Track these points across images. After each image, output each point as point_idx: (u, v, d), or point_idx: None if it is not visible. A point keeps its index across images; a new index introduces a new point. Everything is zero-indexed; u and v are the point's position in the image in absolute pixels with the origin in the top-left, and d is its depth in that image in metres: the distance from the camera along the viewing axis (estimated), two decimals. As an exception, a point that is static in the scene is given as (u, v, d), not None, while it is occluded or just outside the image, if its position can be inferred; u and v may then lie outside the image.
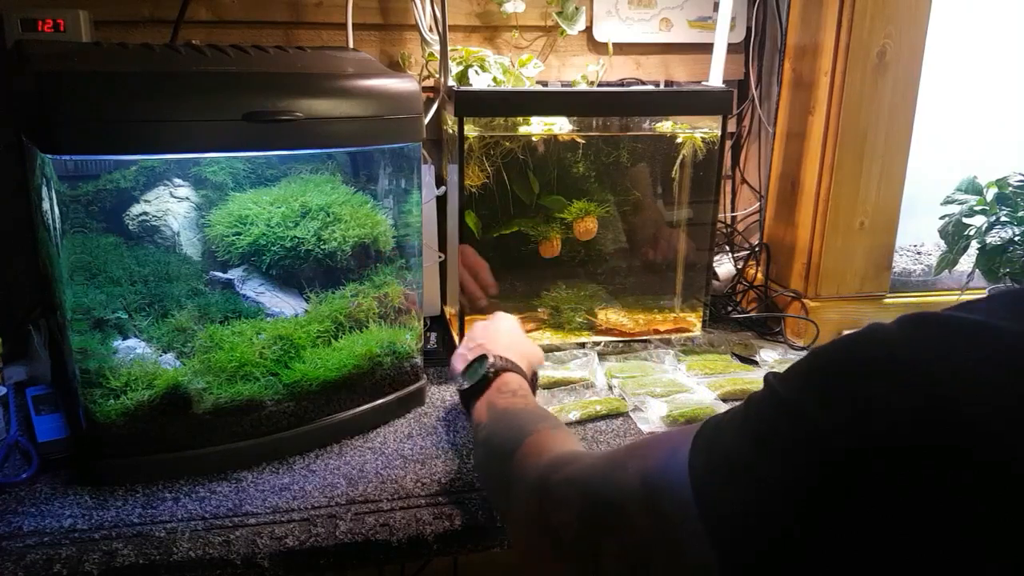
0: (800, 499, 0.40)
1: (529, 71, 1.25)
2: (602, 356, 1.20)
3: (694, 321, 1.29)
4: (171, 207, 0.92)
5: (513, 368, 0.86)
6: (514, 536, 0.68)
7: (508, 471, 0.67)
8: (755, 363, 1.21)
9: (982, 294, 1.22)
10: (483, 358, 0.86)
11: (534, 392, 0.86)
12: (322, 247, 0.96)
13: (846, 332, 0.46)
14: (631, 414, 1.03)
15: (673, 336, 1.26)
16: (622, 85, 1.37)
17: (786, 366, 1.20)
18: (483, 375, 0.84)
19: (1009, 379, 0.36)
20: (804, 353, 1.24)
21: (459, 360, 0.92)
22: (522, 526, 0.63)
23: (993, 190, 1.18)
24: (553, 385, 1.10)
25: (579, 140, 1.20)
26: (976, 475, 0.35)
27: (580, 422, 1.01)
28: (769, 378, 0.47)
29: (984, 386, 0.37)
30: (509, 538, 0.78)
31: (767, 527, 0.42)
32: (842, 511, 0.38)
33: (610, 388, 1.11)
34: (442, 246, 1.27)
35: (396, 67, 1.31)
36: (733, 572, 0.43)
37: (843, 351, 0.44)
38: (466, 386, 0.85)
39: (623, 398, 1.07)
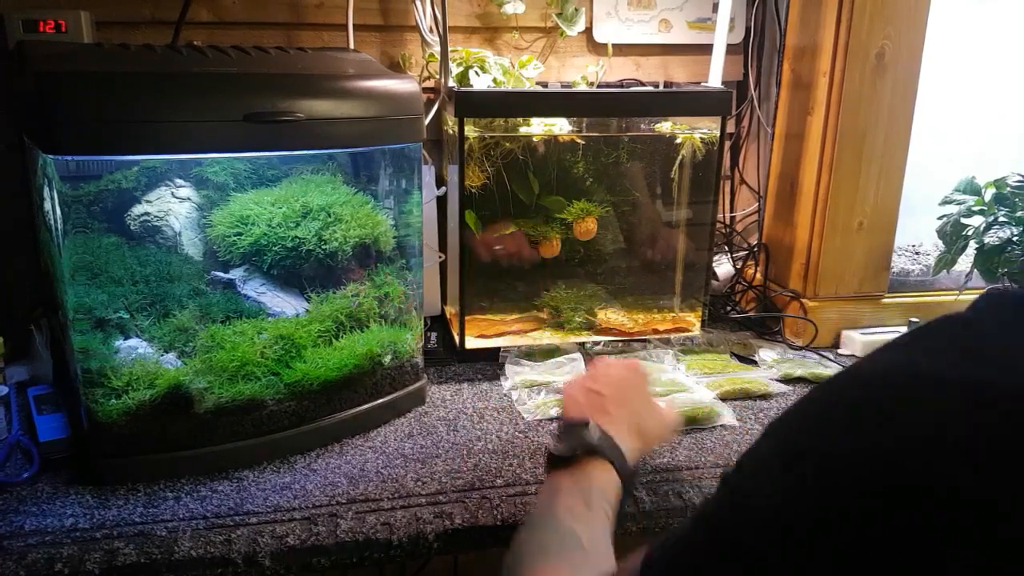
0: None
1: (529, 72, 1.26)
2: (600, 356, 1.20)
3: (693, 321, 1.29)
4: (173, 207, 0.92)
5: (611, 456, 0.72)
6: None
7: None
8: (754, 363, 1.21)
9: (980, 294, 1.22)
10: (583, 425, 0.74)
11: (630, 486, 0.74)
12: (323, 247, 0.96)
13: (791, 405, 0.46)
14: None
15: (672, 336, 1.27)
16: (622, 86, 1.37)
17: (786, 366, 1.20)
18: (571, 454, 0.72)
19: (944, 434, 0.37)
20: (804, 353, 1.24)
21: (571, 403, 0.82)
22: None
23: (991, 190, 1.19)
24: (540, 385, 1.10)
25: (579, 141, 1.20)
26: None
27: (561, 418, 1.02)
28: (726, 477, 0.46)
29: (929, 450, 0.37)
30: None
31: None
32: None
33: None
34: (442, 246, 1.28)
35: (397, 68, 1.31)
36: None
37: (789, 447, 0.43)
38: (554, 453, 0.73)
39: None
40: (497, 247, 1.19)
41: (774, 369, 1.17)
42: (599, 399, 0.80)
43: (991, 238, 1.16)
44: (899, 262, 1.35)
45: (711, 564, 0.43)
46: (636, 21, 1.38)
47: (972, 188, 1.21)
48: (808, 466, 0.40)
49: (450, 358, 1.21)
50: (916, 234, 1.40)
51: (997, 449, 0.36)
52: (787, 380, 1.14)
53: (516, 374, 1.13)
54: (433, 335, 1.23)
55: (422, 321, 1.09)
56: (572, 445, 0.73)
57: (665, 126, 1.24)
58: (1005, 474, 0.35)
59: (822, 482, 0.39)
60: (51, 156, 0.79)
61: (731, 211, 1.52)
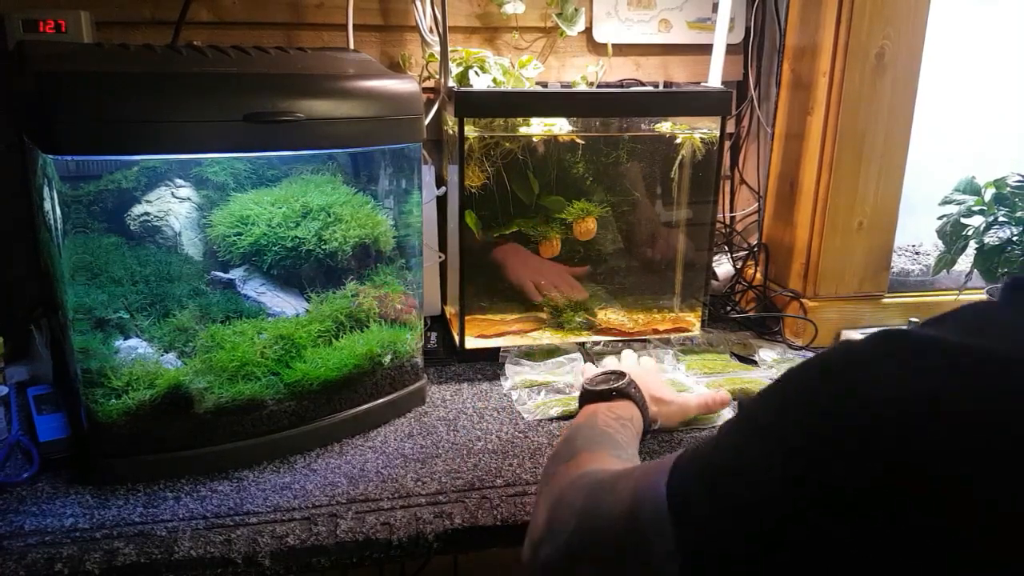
0: (766, 516, 0.42)
1: (529, 72, 1.26)
2: (600, 356, 1.20)
3: (693, 321, 1.29)
4: (172, 207, 0.92)
5: (639, 403, 0.88)
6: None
7: (550, 471, 0.72)
8: (754, 363, 1.21)
9: (979, 294, 1.23)
10: (621, 375, 0.90)
11: (642, 438, 0.87)
12: (323, 247, 0.96)
13: (820, 351, 0.47)
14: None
15: (672, 336, 1.27)
16: (621, 86, 1.37)
17: (786, 367, 1.21)
18: (609, 389, 0.87)
19: (971, 398, 0.37)
20: (804, 353, 1.24)
21: (603, 365, 0.97)
22: (533, 530, 0.65)
23: (991, 190, 1.19)
24: (540, 385, 1.10)
25: (579, 141, 1.20)
26: (934, 493, 0.36)
27: (563, 418, 1.02)
28: (743, 402, 0.49)
29: (948, 407, 0.37)
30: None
31: (731, 539, 0.43)
32: (807, 532, 0.39)
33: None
34: (442, 246, 1.28)
35: (396, 68, 1.31)
36: None
37: (813, 377, 0.45)
38: (592, 388, 0.88)
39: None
40: (540, 280, 1.25)
41: (774, 369, 1.17)
42: (628, 372, 0.93)
43: (991, 238, 1.16)
44: (899, 262, 1.35)
45: (751, 447, 0.45)
46: (636, 21, 1.38)
47: (972, 188, 1.21)
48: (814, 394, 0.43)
49: (450, 358, 1.21)
50: (916, 234, 1.40)
51: (975, 410, 0.37)
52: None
53: (516, 374, 1.13)
54: (433, 335, 1.23)
55: (422, 321, 1.09)
56: (608, 386, 0.88)
57: (665, 126, 1.24)
58: (980, 434, 0.36)
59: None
60: (51, 156, 0.79)
61: (731, 211, 1.52)
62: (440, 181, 1.29)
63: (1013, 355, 0.38)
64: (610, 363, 1.02)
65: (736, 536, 0.43)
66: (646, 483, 0.52)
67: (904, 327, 0.45)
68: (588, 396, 0.88)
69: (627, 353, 1.09)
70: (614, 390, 0.87)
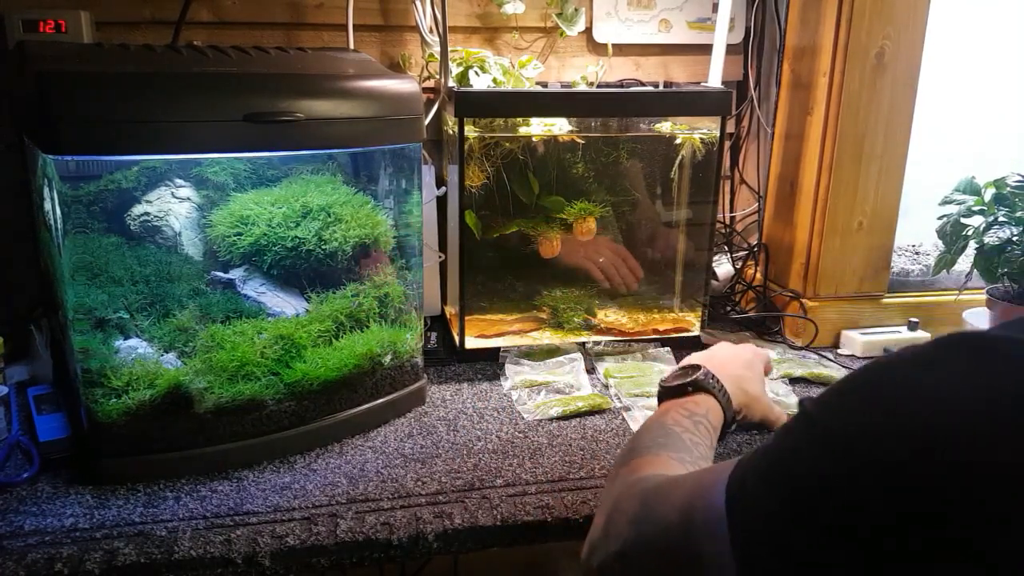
0: (825, 521, 0.41)
1: (529, 72, 1.26)
2: (600, 356, 1.20)
3: (693, 321, 1.29)
4: (172, 207, 0.92)
5: (716, 394, 0.85)
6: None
7: (612, 474, 0.72)
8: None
9: (979, 294, 1.22)
10: (697, 368, 0.87)
11: (723, 432, 0.85)
12: (323, 247, 0.96)
13: (885, 352, 0.47)
14: (624, 414, 1.04)
15: (672, 336, 1.27)
16: (621, 86, 1.37)
17: (785, 367, 1.20)
18: (679, 386, 0.86)
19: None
20: (804, 353, 1.24)
21: (688, 359, 0.94)
22: (592, 532, 0.65)
23: (991, 190, 1.19)
24: (540, 385, 1.10)
25: (579, 141, 1.20)
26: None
27: (563, 418, 1.02)
28: (804, 402, 0.48)
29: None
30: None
31: (789, 544, 0.43)
32: (868, 536, 0.39)
33: (606, 387, 1.12)
34: (442, 246, 1.28)
35: (396, 68, 1.31)
36: None
37: (875, 378, 0.45)
38: (667, 386, 0.87)
39: (607, 396, 1.08)
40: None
41: (774, 369, 1.17)
42: (713, 359, 0.92)
43: (991, 238, 1.15)
44: (899, 262, 1.35)
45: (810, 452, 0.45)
46: (636, 21, 1.38)
47: (972, 188, 1.21)
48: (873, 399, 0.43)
49: (450, 358, 1.21)
50: (916, 234, 1.40)
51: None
52: (787, 380, 1.14)
53: (516, 374, 1.13)
54: (433, 335, 1.23)
55: (422, 321, 1.09)
56: (683, 379, 0.86)
57: (665, 126, 1.24)
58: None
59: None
60: (51, 156, 0.79)
61: (731, 211, 1.52)
62: (440, 181, 1.29)
63: None
64: (696, 356, 0.95)
65: (796, 535, 0.43)
66: (699, 491, 0.52)
67: (939, 338, 0.45)
68: (664, 393, 0.87)
69: (723, 345, 1.00)
70: (689, 384, 0.85)
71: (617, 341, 1.24)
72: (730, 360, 0.93)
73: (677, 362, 1.17)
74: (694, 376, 0.86)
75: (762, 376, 0.97)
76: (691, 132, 1.23)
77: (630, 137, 1.24)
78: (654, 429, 0.78)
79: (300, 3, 1.26)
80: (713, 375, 0.86)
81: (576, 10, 1.31)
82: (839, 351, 1.26)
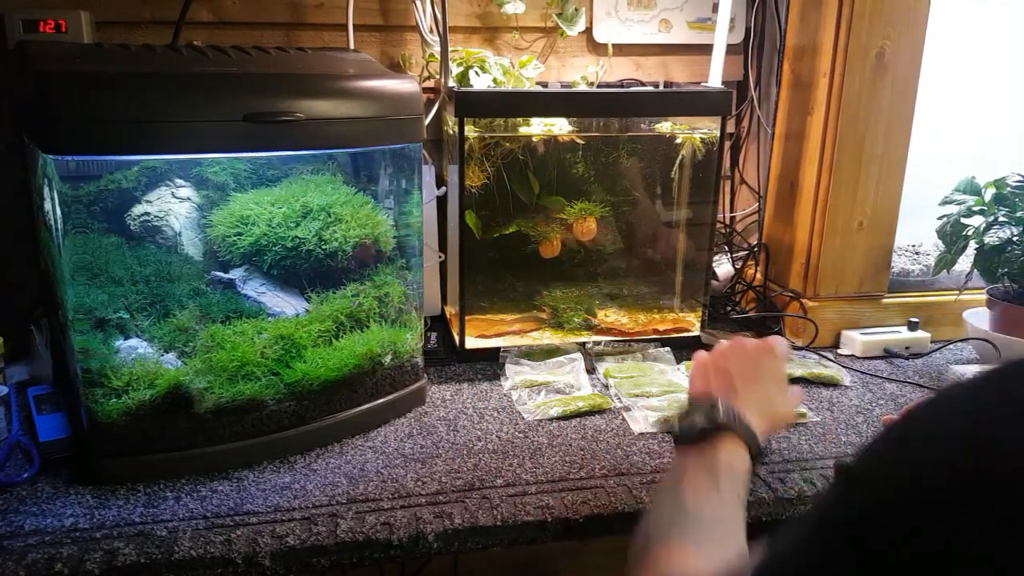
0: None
1: (529, 72, 1.26)
2: (600, 356, 1.20)
3: (693, 321, 1.29)
4: (173, 207, 0.92)
5: (741, 433, 0.72)
6: None
7: (631, 562, 0.65)
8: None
9: (979, 294, 1.23)
10: (714, 404, 0.74)
11: (756, 462, 0.73)
12: (323, 247, 0.96)
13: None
14: (624, 414, 1.04)
15: (672, 336, 1.27)
16: (621, 86, 1.37)
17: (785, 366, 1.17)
18: (699, 430, 0.72)
19: None
20: (804, 353, 1.24)
21: (698, 376, 0.81)
22: None
23: (991, 190, 1.19)
24: (540, 385, 1.10)
25: (579, 141, 1.21)
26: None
27: (563, 418, 1.02)
28: (839, 467, 0.46)
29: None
30: None
31: None
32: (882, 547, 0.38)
33: (606, 387, 1.12)
34: (442, 246, 1.28)
35: (397, 68, 1.31)
36: None
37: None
38: (684, 434, 0.74)
39: (607, 396, 1.08)
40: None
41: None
42: (727, 377, 0.79)
43: (991, 238, 1.16)
44: (899, 262, 1.35)
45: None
46: (636, 21, 1.38)
47: (972, 188, 1.21)
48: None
49: (450, 358, 1.21)
50: (916, 234, 1.40)
51: None
52: (786, 380, 1.14)
53: (516, 374, 1.13)
54: (433, 335, 1.23)
55: (422, 321, 1.09)
56: (699, 422, 0.73)
57: (665, 126, 1.24)
58: None
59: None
60: (51, 156, 0.79)
61: (731, 211, 1.52)
62: (440, 181, 1.29)
63: None
64: (705, 360, 0.84)
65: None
66: None
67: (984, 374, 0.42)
68: (681, 441, 0.74)
69: (742, 337, 0.88)
70: (703, 430, 0.72)
71: (617, 341, 1.24)
72: (748, 374, 0.80)
73: (677, 362, 1.18)
74: (711, 417, 0.73)
75: (783, 379, 0.84)
76: (691, 132, 1.23)
77: (630, 137, 1.24)
78: (668, 506, 0.68)
79: (300, 3, 1.26)
80: (733, 410, 0.73)
81: (576, 10, 1.31)
82: (839, 351, 1.26)
